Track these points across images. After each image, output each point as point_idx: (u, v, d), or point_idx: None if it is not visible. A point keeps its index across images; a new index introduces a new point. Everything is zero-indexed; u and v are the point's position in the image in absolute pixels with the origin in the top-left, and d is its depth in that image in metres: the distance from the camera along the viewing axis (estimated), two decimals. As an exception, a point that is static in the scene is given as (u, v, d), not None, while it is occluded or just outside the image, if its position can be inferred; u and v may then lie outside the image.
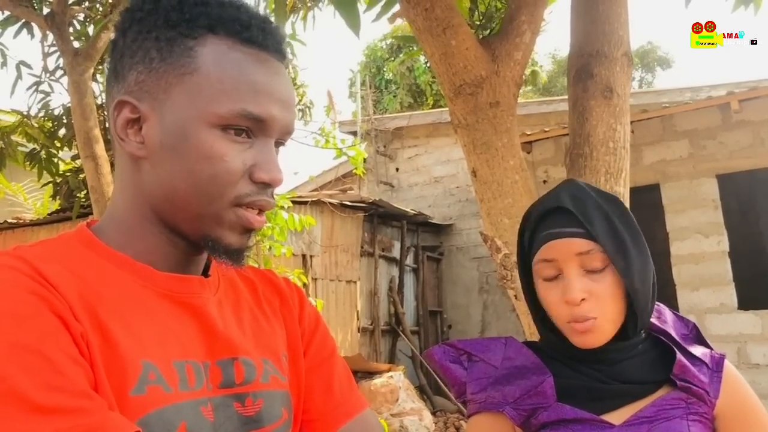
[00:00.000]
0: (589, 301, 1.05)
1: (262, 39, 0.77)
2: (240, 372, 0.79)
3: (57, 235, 0.79)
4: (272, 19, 0.83)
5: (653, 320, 1.16)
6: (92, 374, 0.64)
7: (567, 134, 2.40)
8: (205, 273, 0.85)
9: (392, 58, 16.95)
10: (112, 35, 0.81)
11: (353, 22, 2.09)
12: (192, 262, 0.82)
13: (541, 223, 1.11)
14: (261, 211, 0.78)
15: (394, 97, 16.66)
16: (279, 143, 0.80)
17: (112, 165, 4.26)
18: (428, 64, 14.07)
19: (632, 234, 1.09)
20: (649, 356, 1.11)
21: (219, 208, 0.75)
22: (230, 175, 0.74)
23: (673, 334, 1.15)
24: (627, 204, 2.23)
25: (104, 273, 0.73)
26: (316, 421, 0.88)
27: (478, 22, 3.37)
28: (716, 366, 1.13)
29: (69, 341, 0.63)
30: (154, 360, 0.70)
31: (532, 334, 2.16)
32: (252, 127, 0.75)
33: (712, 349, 1.17)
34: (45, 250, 0.73)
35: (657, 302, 1.18)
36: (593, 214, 1.07)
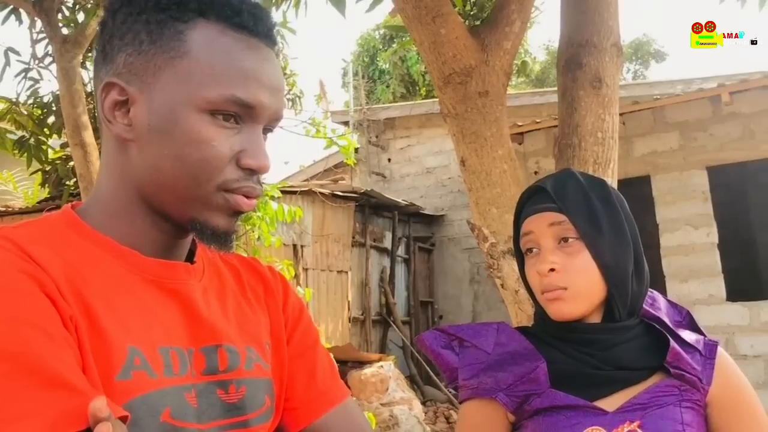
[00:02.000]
0: (559, 273, 1.09)
1: (253, 25, 0.76)
2: (224, 359, 0.79)
3: (41, 217, 0.78)
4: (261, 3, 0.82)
5: (646, 307, 1.16)
6: (80, 357, 0.64)
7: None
8: (190, 259, 0.84)
9: (386, 48, 16.88)
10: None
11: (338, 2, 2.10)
12: (177, 246, 0.81)
13: (525, 203, 1.18)
14: (249, 197, 0.78)
15: (387, 87, 16.60)
16: (267, 130, 0.80)
17: (100, 153, 4.23)
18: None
19: (610, 213, 1.12)
20: (642, 342, 1.12)
21: (206, 192, 0.74)
22: (218, 160, 0.74)
23: (667, 321, 1.16)
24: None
25: (90, 256, 0.73)
26: (298, 409, 0.88)
27: (470, 12, 3.36)
28: (709, 353, 1.13)
29: (60, 322, 0.63)
30: (140, 345, 0.70)
31: (520, 322, 2.17)
32: (240, 113, 0.75)
33: (705, 336, 1.17)
34: (30, 231, 0.72)
35: (651, 290, 1.20)
36: (569, 192, 1.12)
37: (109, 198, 0.79)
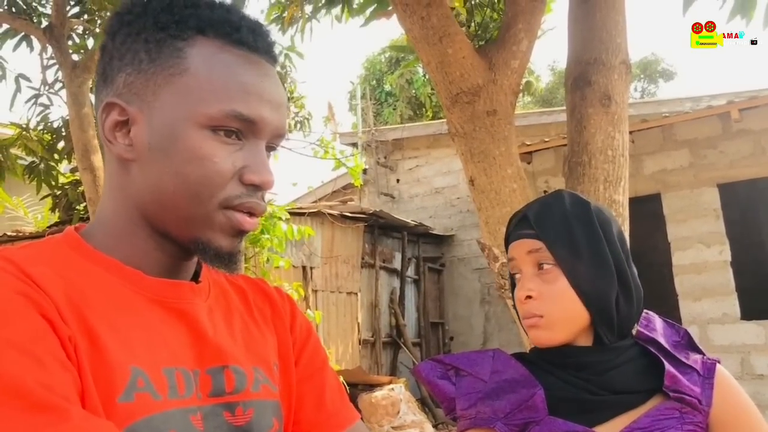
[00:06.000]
0: (537, 300, 1.09)
1: (253, 41, 0.76)
2: (230, 380, 0.77)
3: (44, 238, 0.78)
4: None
5: (641, 329, 1.15)
6: (79, 380, 0.63)
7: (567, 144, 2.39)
8: (196, 279, 0.83)
9: (391, 71, 16.98)
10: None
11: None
12: (181, 267, 0.80)
13: (512, 229, 1.18)
14: (252, 214, 0.77)
15: (394, 109, 16.68)
16: (270, 147, 0.79)
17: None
18: (427, 76, 14.06)
19: (590, 238, 1.10)
20: (637, 365, 1.10)
21: (208, 210, 0.73)
22: (220, 176, 0.73)
23: (663, 342, 1.14)
24: (626, 212, 2.21)
25: (92, 277, 0.72)
26: None
27: (474, 33, 3.37)
28: (708, 372, 1.11)
29: (57, 344, 0.62)
30: (143, 366, 0.68)
31: (531, 343, 2.14)
32: (242, 129, 0.74)
33: (704, 355, 1.15)
34: (32, 252, 0.71)
35: (647, 311, 1.19)
36: (550, 218, 1.12)
37: (112, 219, 0.78)
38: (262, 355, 0.84)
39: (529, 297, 1.09)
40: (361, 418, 0.93)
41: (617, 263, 1.10)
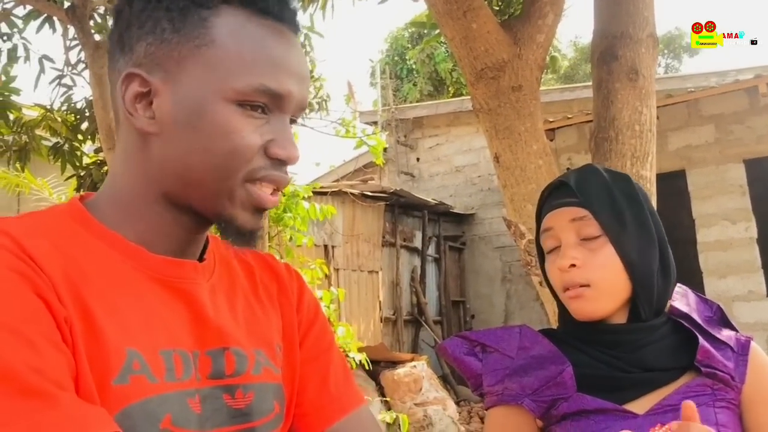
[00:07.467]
0: (581, 269, 1.05)
1: (278, 10, 0.74)
2: (230, 362, 0.75)
3: (48, 208, 0.75)
4: None
5: (675, 304, 1.13)
6: (74, 362, 0.61)
7: (590, 121, 2.36)
8: (201, 257, 0.81)
9: (414, 47, 16.79)
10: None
11: None
12: (192, 242, 0.78)
13: (546, 199, 1.15)
14: (276, 190, 0.75)
15: (414, 85, 16.55)
16: (292, 120, 0.77)
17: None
18: (448, 51, 13.88)
19: (634, 209, 1.08)
20: (670, 341, 1.08)
21: (232, 185, 0.72)
22: (248, 150, 0.71)
23: (696, 317, 1.12)
24: (653, 188, 2.18)
25: (93, 252, 0.70)
26: (309, 416, 0.85)
27: (497, 7, 3.33)
28: (742, 349, 1.09)
29: (51, 325, 0.60)
30: (140, 348, 0.67)
31: (557, 321, 2.13)
32: (268, 103, 0.72)
33: (737, 331, 1.13)
34: (32, 223, 0.69)
35: (680, 284, 1.17)
36: (592, 187, 1.09)
37: (125, 193, 0.75)
38: (265, 337, 0.82)
39: (573, 265, 1.05)
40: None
41: (659, 235, 1.09)
